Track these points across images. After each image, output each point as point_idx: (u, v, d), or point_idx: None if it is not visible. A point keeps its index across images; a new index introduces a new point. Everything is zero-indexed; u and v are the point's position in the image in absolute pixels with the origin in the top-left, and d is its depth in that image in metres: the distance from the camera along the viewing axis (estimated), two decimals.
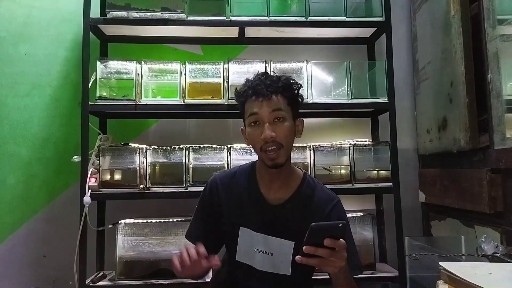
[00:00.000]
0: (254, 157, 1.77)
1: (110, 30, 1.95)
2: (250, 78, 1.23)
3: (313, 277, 1.30)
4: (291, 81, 1.21)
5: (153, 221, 1.77)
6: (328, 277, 1.19)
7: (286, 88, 1.19)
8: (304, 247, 0.92)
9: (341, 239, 0.93)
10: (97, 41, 1.99)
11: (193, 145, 1.82)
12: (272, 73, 1.23)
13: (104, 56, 2.01)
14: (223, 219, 1.25)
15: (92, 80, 1.76)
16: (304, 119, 1.27)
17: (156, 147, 1.82)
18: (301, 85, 1.23)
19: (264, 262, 1.21)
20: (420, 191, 2.04)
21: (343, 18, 1.86)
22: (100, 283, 1.71)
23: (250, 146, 1.23)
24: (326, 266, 0.96)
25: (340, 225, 0.91)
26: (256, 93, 1.16)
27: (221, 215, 1.26)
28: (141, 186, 1.77)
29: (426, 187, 1.99)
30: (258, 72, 1.24)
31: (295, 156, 1.81)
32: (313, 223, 0.90)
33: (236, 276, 1.24)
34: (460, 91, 1.65)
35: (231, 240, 1.25)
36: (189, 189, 1.77)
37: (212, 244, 1.27)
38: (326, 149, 1.86)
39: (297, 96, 1.22)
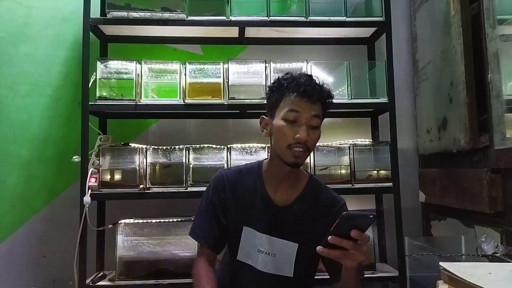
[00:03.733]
0: (254, 157, 1.79)
1: (110, 30, 1.95)
2: (293, 74, 1.20)
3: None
4: (330, 92, 1.21)
5: (153, 221, 1.77)
6: (328, 277, 1.20)
7: (327, 99, 1.19)
8: (329, 237, 0.89)
9: (366, 233, 0.91)
10: (97, 41, 1.99)
11: (193, 145, 1.82)
12: (315, 78, 1.20)
13: (104, 56, 2.01)
14: (227, 217, 1.25)
15: (92, 80, 1.76)
16: None
17: (156, 147, 1.82)
18: (333, 96, 1.23)
19: (267, 263, 1.20)
20: (420, 191, 2.04)
21: (343, 18, 1.86)
22: (100, 283, 1.71)
23: (266, 139, 1.22)
24: (346, 259, 0.93)
25: (371, 216, 0.88)
26: (304, 91, 1.13)
27: (225, 213, 1.25)
28: (141, 186, 1.77)
29: (426, 187, 1.99)
30: (302, 71, 1.20)
31: None
32: (344, 212, 0.88)
33: (237, 277, 1.24)
34: (460, 91, 1.65)
35: (233, 239, 1.24)
36: (189, 189, 1.76)
37: (216, 242, 1.26)
38: (326, 149, 1.86)
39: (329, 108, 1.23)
